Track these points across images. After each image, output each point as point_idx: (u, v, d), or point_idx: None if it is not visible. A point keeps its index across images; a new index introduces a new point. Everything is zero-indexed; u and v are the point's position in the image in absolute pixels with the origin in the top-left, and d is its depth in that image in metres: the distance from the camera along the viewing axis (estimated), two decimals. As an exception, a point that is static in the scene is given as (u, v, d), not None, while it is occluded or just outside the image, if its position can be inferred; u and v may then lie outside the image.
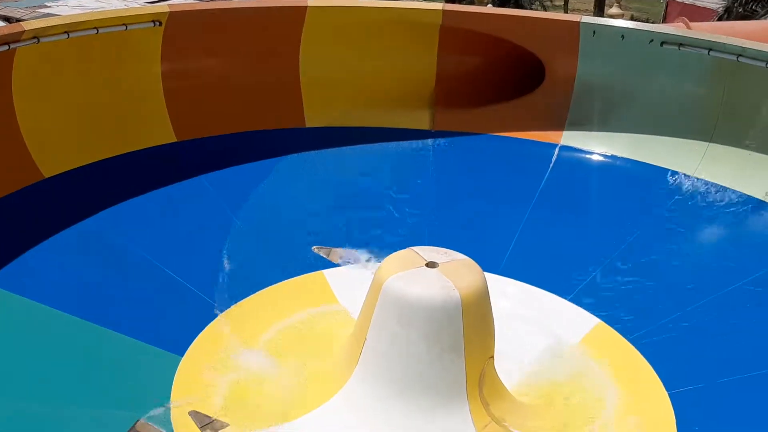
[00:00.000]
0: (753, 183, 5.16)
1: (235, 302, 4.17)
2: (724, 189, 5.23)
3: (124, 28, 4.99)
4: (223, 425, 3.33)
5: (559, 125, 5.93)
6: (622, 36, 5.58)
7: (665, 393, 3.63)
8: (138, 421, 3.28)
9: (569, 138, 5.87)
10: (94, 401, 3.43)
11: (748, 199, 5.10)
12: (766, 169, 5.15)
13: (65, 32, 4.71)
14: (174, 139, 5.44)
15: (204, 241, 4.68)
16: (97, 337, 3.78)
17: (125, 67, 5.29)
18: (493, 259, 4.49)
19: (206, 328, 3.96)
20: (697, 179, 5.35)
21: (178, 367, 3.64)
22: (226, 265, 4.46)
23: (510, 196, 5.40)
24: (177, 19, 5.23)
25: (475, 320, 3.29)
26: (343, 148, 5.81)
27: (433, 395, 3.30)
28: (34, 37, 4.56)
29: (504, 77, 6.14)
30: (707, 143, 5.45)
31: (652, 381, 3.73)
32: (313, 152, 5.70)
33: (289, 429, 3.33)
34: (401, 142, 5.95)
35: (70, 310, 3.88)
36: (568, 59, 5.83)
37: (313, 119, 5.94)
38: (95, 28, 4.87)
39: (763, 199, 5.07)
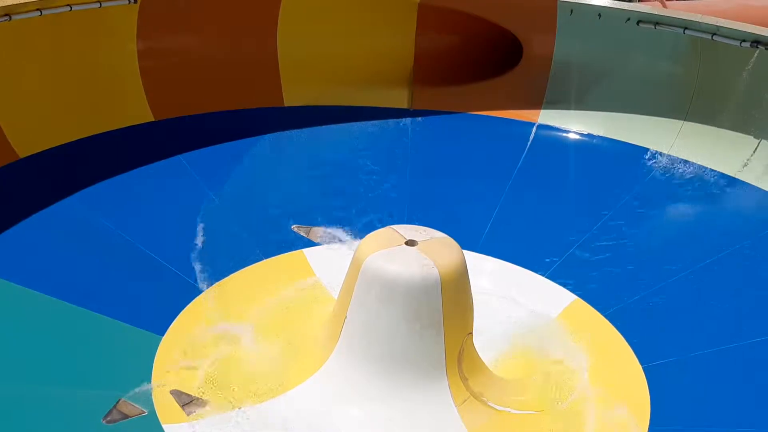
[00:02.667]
0: (726, 160, 5.25)
1: (216, 281, 4.17)
2: (699, 166, 5.30)
3: (98, 5, 4.92)
4: (205, 403, 3.35)
5: (537, 104, 5.96)
6: (599, 15, 5.61)
7: (639, 366, 3.71)
8: (119, 400, 3.29)
9: (547, 116, 5.90)
10: (75, 381, 3.43)
11: (722, 176, 5.19)
12: (739, 147, 5.23)
13: (38, 9, 4.63)
14: (151, 118, 5.39)
15: (183, 220, 4.66)
16: (76, 318, 3.76)
17: (100, 45, 5.22)
18: (471, 237, 4.53)
19: (186, 308, 3.96)
20: (673, 156, 5.42)
21: (159, 347, 3.65)
22: (206, 244, 4.44)
23: (488, 175, 5.43)
24: (152, -4, 5.17)
25: (454, 297, 3.32)
26: (322, 126, 5.79)
27: (412, 371, 3.33)
28: (5, 15, 4.48)
29: (482, 56, 6.15)
30: (682, 121, 5.52)
31: (627, 355, 3.80)
32: (291, 131, 5.68)
33: (271, 406, 3.36)
34: (380, 121, 5.94)
35: (48, 291, 3.86)
36: (546, 38, 5.85)
37: (291, 98, 5.91)
38: (68, 5, 4.79)
39: (736, 176, 5.15)
